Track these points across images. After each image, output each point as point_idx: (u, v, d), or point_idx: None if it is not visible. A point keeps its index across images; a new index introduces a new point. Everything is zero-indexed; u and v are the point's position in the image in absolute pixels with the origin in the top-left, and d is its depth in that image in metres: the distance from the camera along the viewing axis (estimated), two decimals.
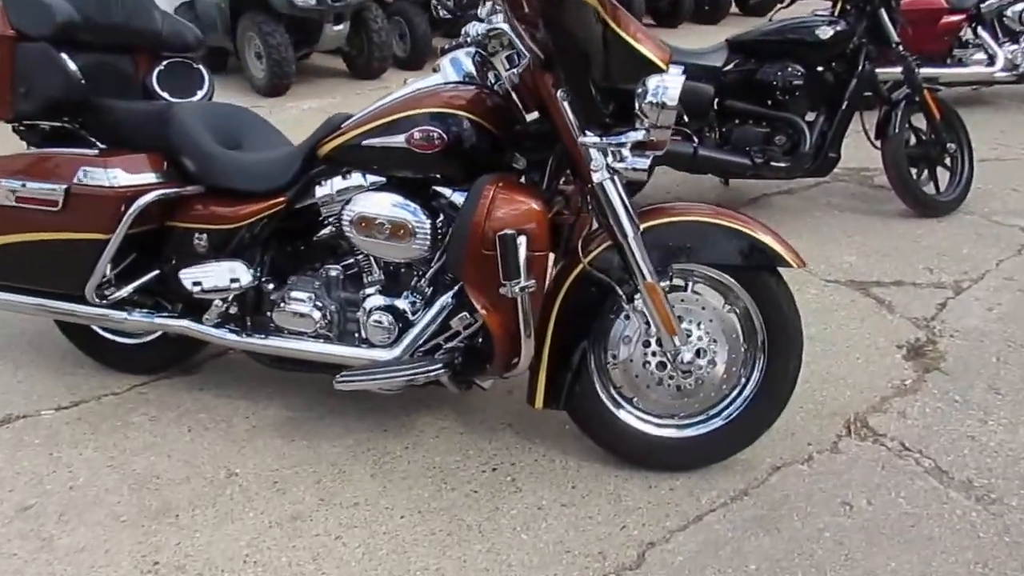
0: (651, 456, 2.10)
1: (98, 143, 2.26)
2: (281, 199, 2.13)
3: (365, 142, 2.00)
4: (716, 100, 3.65)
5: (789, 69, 3.53)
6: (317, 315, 2.14)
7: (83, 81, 2.16)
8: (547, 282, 1.95)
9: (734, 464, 2.12)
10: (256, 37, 5.75)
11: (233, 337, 2.19)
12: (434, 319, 2.02)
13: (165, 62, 2.51)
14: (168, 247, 2.23)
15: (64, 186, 2.06)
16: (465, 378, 2.04)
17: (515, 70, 1.94)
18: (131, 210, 2.05)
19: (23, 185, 2.10)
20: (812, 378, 2.52)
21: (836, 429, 2.29)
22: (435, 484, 2.08)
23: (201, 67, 2.60)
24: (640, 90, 1.78)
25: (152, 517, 1.97)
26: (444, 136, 1.91)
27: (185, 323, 2.22)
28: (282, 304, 2.17)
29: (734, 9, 10.68)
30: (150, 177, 2.11)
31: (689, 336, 1.99)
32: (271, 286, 2.21)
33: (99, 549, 1.87)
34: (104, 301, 2.20)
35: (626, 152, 1.84)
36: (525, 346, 1.90)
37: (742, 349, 2.03)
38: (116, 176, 2.04)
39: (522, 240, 1.80)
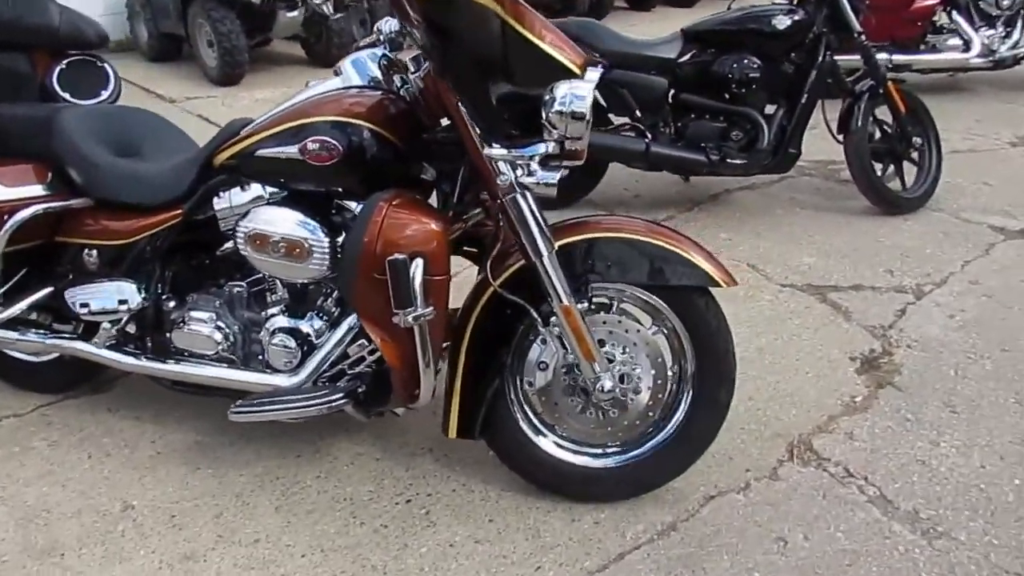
0: (574, 486, 1.97)
1: None
2: (177, 212, 1.97)
3: (259, 152, 1.84)
4: (671, 93, 3.49)
5: (746, 61, 3.37)
6: (218, 336, 1.99)
7: None
8: (447, 306, 1.79)
9: (665, 493, 1.99)
10: (207, 24, 5.53)
11: (129, 360, 2.04)
12: (338, 343, 1.87)
13: (66, 60, 2.34)
14: (59, 264, 2.07)
15: None
16: (370, 408, 1.90)
17: (419, 74, 1.78)
18: (5, 227, 1.89)
19: None
20: (757, 395, 2.39)
21: (778, 453, 2.16)
22: (343, 518, 1.94)
23: (107, 65, 2.44)
24: (547, 97, 1.62)
25: (36, 556, 1.83)
26: (340, 147, 1.75)
27: (79, 345, 2.07)
28: (182, 324, 2.02)
29: None
30: (30, 190, 1.95)
31: (612, 361, 1.85)
32: (171, 304, 2.06)
33: None
34: None
35: (535, 166, 1.68)
36: (424, 378, 1.75)
37: (669, 374, 1.90)
38: None
39: (418, 264, 1.65)
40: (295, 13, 5.80)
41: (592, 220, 1.89)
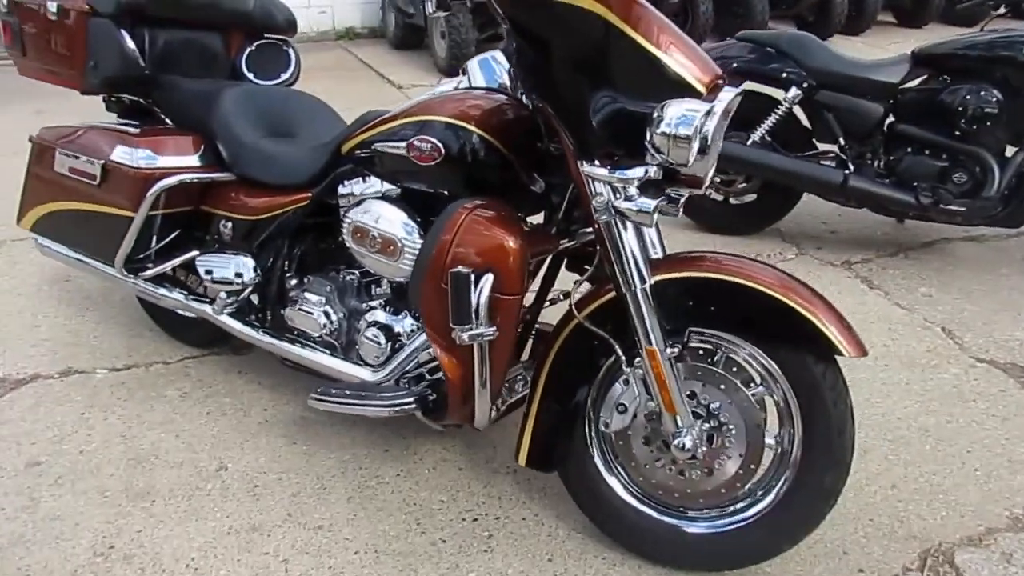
0: (643, 543, 1.78)
1: (167, 120, 2.31)
2: (305, 195, 2.03)
3: (376, 144, 1.84)
4: (887, 123, 3.07)
5: (984, 92, 2.87)
6: (323, 320, 2.03)
7: (142, 60, 2.19)
8: (516, 328, 1.67)
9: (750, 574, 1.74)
10: (441, 17, 5.78)
11: (246, 330, 2.15)
12: (423, 345, 1.83)
13: (256, 43, 2.51)
14: (202, 230, 2.23)
15: (101, 162, 2.11)
16: (440, 417, 1.84)
17: None
18: (151, 191, 2.06)
19: (76, 157, 2.18)
20: (903, 484, 2.03)
21: (906, 559, 1.81)
22: (407, 523, 1.91)
23: (291, 49, 2.58)
24: (655, 116, 1.46)
25: (131, 498, 1.99)
26: (443, 148, 1.69)
27: (207, 309, 2.21)
28: (296, 303, 2.09)
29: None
30: (182, 160, 2.10)
31: (700, 418, 1.64)
32: (293, 282, 2.14)
33: (71, 520, 1.91)
34: (133, 275, 2.24)
35: (632, 190, 1.52)
36: (479, 399, 1.66)
37: (767, 445, 1.64)
38: (141, 156, 2.05)
39: (487, 279, 1.55)
40: None
41: (707, 257, 1.68)
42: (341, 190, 1.99)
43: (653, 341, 1.57)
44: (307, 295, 2.08)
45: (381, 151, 1.82)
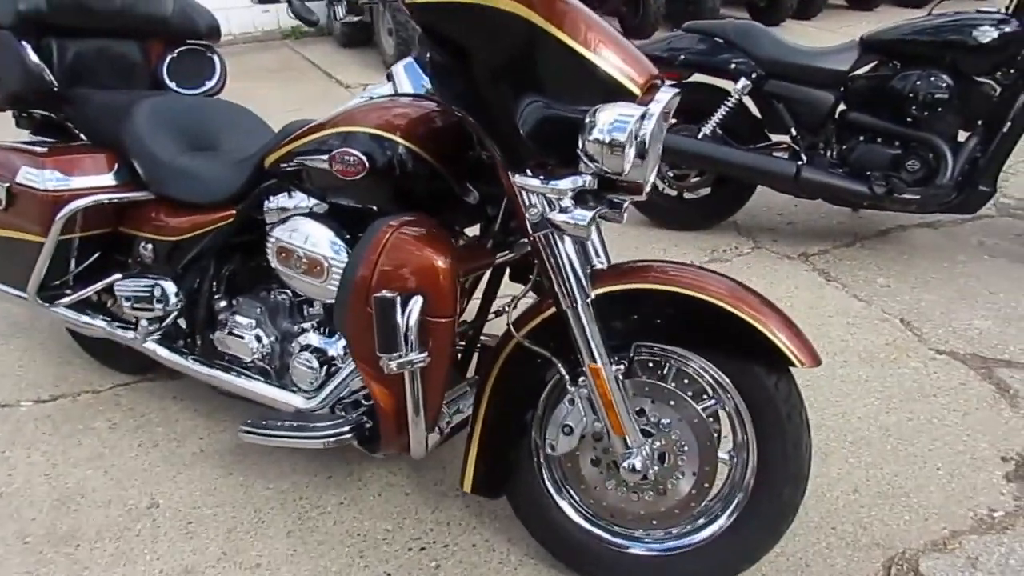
0: (598, 568, 1.69)
1: (81, 135, 2.17)
2: (229, 212, 1.91)
3: (299, 157, 1.72)
4: (838, 111, 3.02)
5: (934, 78, 2.82)
6: (254, 344, 1.92)
7: (49, 73, 2.04)
8: (451, 352, 1.57)
9: None
10: (387, 12, 5.65)
11: (173, 357, 2.02)
12: (355, 371, 1.72)
13: (177, 50, 2.37)
14: (123, 253, 2.09)
15: (6, 184, 1.96)
16: (378, 446, 1.73)
17: None
18: (61, 214, 1.92)
19: None
20: (864, 488, 1.97)
21: (870, 568, 1.75)
22: (350, 556, 1.80)
23: (216, 56, 2.44)
24: (587, 121, 1.36)
25: (54, 543, 1.85)
26: (365, 161, 1.58)
27: (130, 335, 2.07)
28: (225, 327, 1.97)
29: None
30: (94, 180, 1.97)
31: (650, 436, 1.55)
32: (221, 304, 2.01)
33: None
34: (49, 303, 2.09)
35: (567, 201, 1.43)
36: (414, 428, 1.55)
37: (720, 464, 1.57)
38: (49, 177, 1.91)
39: (416, 302, 1.45)
40: None
41: (653, 266, 1.59)
42: (267, 206, 1.87)
43: (597, 358, 1.48)
44: (237, 318, 1.96)
45: (305, 164, 1.71)
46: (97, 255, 2.12)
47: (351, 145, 1.61)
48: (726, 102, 3.03)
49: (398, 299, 1.43)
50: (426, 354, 1.47)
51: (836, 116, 3.02)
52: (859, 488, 1.98)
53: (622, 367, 1.53)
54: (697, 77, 3.15)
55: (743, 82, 2.99)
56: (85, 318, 2.12)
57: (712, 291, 1.48)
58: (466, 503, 1.94)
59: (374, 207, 1.68)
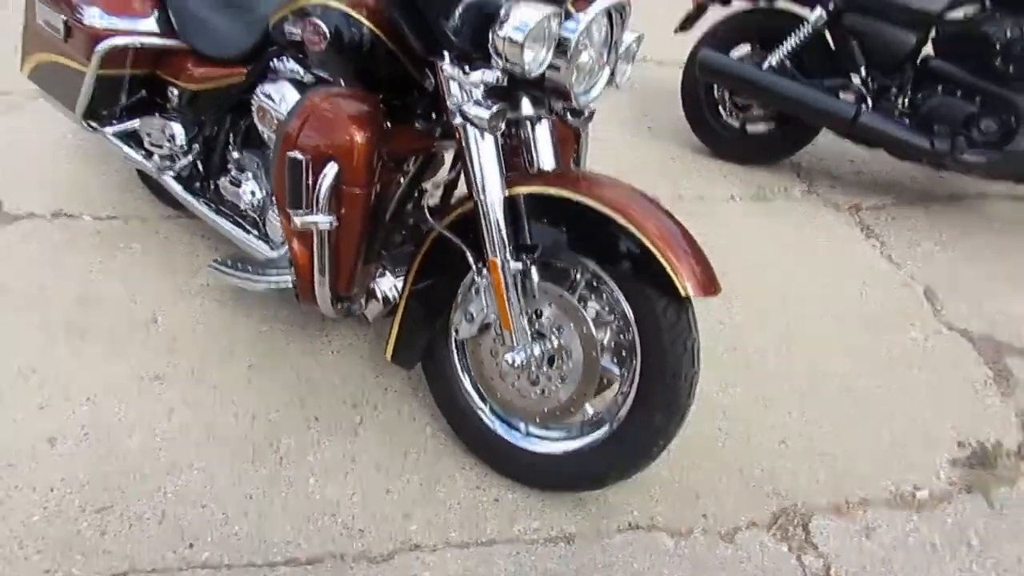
0: (490, 453, 1.82)
1: None
2: (240, 70, 2.07)
3: (285, 24, 1.84)
4: (918, 56, 2.77)
5: None
6: (247, 196, 2.11)
7: None
8: (365, 221, 1.68)
9: (590, 502, 1.75)
10: None
11: (184, 194, 2.25)
12: None
13: None
14: (158, 94, 2.32)
15: (64, 18, 2.20)
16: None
17: None
18: (98, 48, 2.13)
19: (47, 10, 2.28)
20: (793, 441, 1.96)
21: (759, 513, 1.77)
22: (291, 397, 2.00)
23: None
24: (500, 15, 1.39)
25: (67, 333, 2.15)
26: (327, 33, 1.67)
27: (147, 163, 2.32)
28: (229, 175, 2.17)
29: None
30: (132, 22, 2.16)
31: (542, 336, 1.62)
32: (234, 155, 2.21)
33: (11, 341, 2.12)
34: (96, 128, 2.36)
35: (478, 93, 1.48)
36: (318, 285, 1.70)
37: (600, 372, 1.62)
38: (92, 14, 2.13)
39: (331, 169, 1.56)
40: None
41: (577, 177, 1.63)
42: (272, 66, 2.01)
43: (496, 252, 1.55)
44: (238, 169, 2.15)
45: (288, 30, 1.82)
46: (143, 93, 2.36)
47: (321, 17, 1.70)
48: (796, 32, 2.85)
49: (306, 160, 1.56)
50: (333, 218, 1.59)
51: (916, 61, 2.77)
52: (788, 440, 1.97)
53: (519, 265, 1.58)
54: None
55: (818, 11, 2.79)
56: (124, 147, 2.38)
57: (618, 206, 1.51)
58: (409, 376, 2.09)
59: (341, 81, 1.79)
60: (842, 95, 2.85)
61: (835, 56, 2.89)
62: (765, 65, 2.91)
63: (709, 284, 1.48)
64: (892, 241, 2.79)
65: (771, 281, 2.54)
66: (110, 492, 1.74)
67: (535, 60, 1.41)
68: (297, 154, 1.57)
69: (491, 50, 1.42)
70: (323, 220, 1.59)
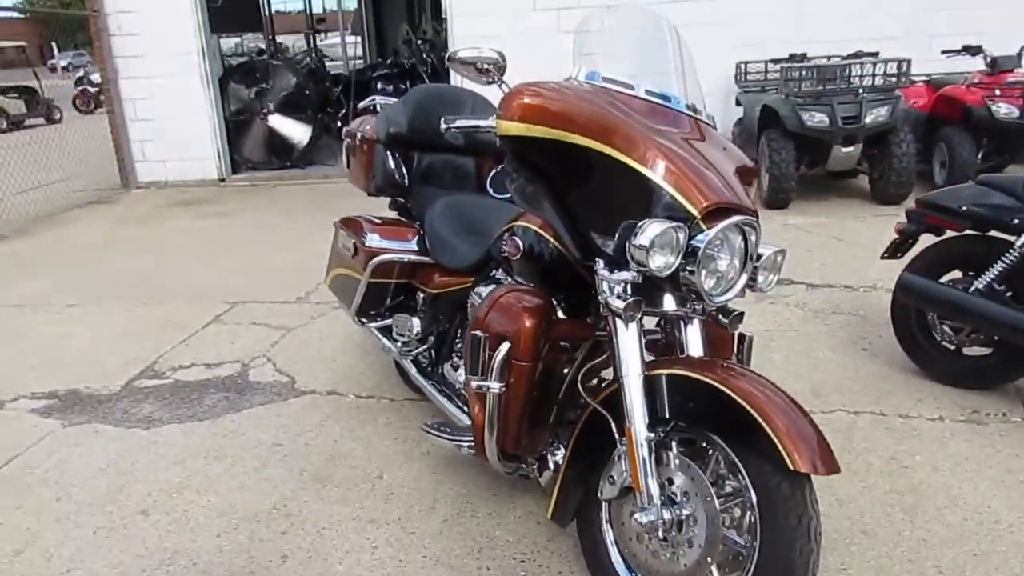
0: None
1: (414, 215, 3.12)
2: (468, 279, 2.64)
3: (500, 243, 2.36)
4: None
5: None
6: (462, 376, 2.59)
7: (403, 174, 3.02)
8: (528, 389, 2.02)
9: None
10: (767, 151, 6.03)
11: (417, 376, 2.79)
12: None
13: (501, 165, 3.23)
14: (411, 299, 2.96)
15: (354, 241, 2.96)
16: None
17: None
18: (372, 262, 2.83)
19: (346, 236, 3.07)
20: None
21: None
22: (472, 548, 2.32)
23: None
24: (637, 228, 1.75)
25: (315, 480, 2.71)
26: (520, 246, 2.17)
27: (393, 348, 2.91)
28: (450, 361, 2.69)
29: None
30: (398, 244, 2.86)
31: (674, 503, 1.81)
32: (458, 345, 2.74)
33: (277, 483, 2.70)
34: (364, 322, 3.03)
35: (618, 289, 1.83)
36: (487, 441, 2.03)
37: (723, 544, 1.74)
38: (372, 239, 2.85)
39: (504, 346, 1.97)
40: (851, 148, 5.88)
41: (707, 362, 1.87)
42: (492, 275, 2.55)
43: (635, 422, 1.82)
44: (459, 357, 2.66)
45: (500, 246, 2.35)
46: (401, 298, 3.02)
47: (520, 235, 2.21)
48: (1004, 257, 2.87)
49: (484, 337, 1.99)
50: (501, 384, 1.97)
51: None
52: None
53: (653, 435, 1.81)
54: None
55: (1023, 238, 2.81)
56: (381, 337, 3.02)
57: (746, 392, 1.71)
58: (576, 545, 2.30)
59: (531, 284, 2.25)
60: None
61: None
62: (972, 289, 2.93)
63: (824, 461, 1.61)
64: None
65: (968, 499, 2.43)
66: None
67: (665, 264, 1.74)
68: (479, 332, 2.02)
69: (628, 256, 1.78)
70: (495, 386, 1.99)
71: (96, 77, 14.98)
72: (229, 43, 15.71)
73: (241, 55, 13.60)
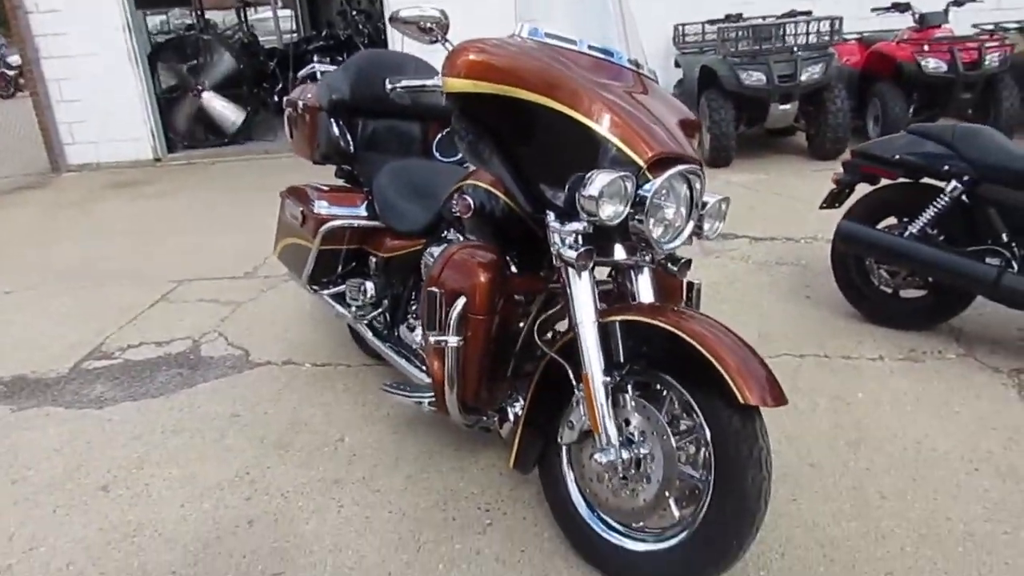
0: (591, 550, 2.04)
1: (361, 182, 3.11)
2: (420, 241, 2.66)
3: (450, 203, 2.39)
4: None
5: None
6: (418, 336, 2.61)
7: (347, 141, 3.00)
8: (486, 343, 2.07)
9: None
10: (707, 111, 6.15)
11: (373, 339, 2.81)
12: None
13: (447, 130, 3.24)
14: (363, 264, 2.97)
15: (301, 209, 2.95)
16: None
17: None
18: (321, 230, 2.83)
19: (293, 205, 3.05)
20: (902, 575, 1.96)
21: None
22: (436, 500, 2.36)
23: None
24: (585, 179, 1.78)
25: (277, 446, 2.72)
26: (472, 205, 2.20)
27: (347, 314, 2.92)
28: (406, 323, 2.71)
29: None
30: (348, 210, 2.85)
31: (632, 442, 1.87)
32: (412, 306, 2.76)
33: (239, 452, 2.70)
34: (316, 290, 3.03)
35: (569, 240, 1.87)
36: (448, 395, 2.08)
37: (679, 479, 1.82)
38: (320, 206, 2.85)
39: (460, 301, 2.00)
40: (788, 106, 6.03)
41: (657, 307, 1.93)
42: (443, 236, 2.57)
43: (587, 368, 1.87)
44: (415, 318, 2.68)
45: (450, 206, 2.38)
46: (353, 264, 3.02)
47: (470, 193, 2.24)
48: (935, 203, 3.00)
49: (440, 294, 2.02)
50: (459, 338, 2.01)
51: None
52: (894, 573, 1.97)
53: (608, 379, 1.87)
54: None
55: (953, 184, 2.94)
56: (334, 304, 3.03)
57: (696, 333, 1.77)
58: (538, 492, 2.37)
59: (483, 241, 2.28)
60: (988, 260, 2.90)
61: (976, 223, 2.99)
62: (906, 234, 3.06)
63: (772, 395, 1.68)
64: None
65: (907, 431, 2.56)
66: (284, 562, 2.16)
67: (614, 213, 1.79)
68: (435, 289, 2.05)
69: (578, 207, 1.82)
70: (453, 340, 2.02)
71: (14, 59, 14.33)
72: (154, 20, 15.15)
73: (168, 32, 13.18)
